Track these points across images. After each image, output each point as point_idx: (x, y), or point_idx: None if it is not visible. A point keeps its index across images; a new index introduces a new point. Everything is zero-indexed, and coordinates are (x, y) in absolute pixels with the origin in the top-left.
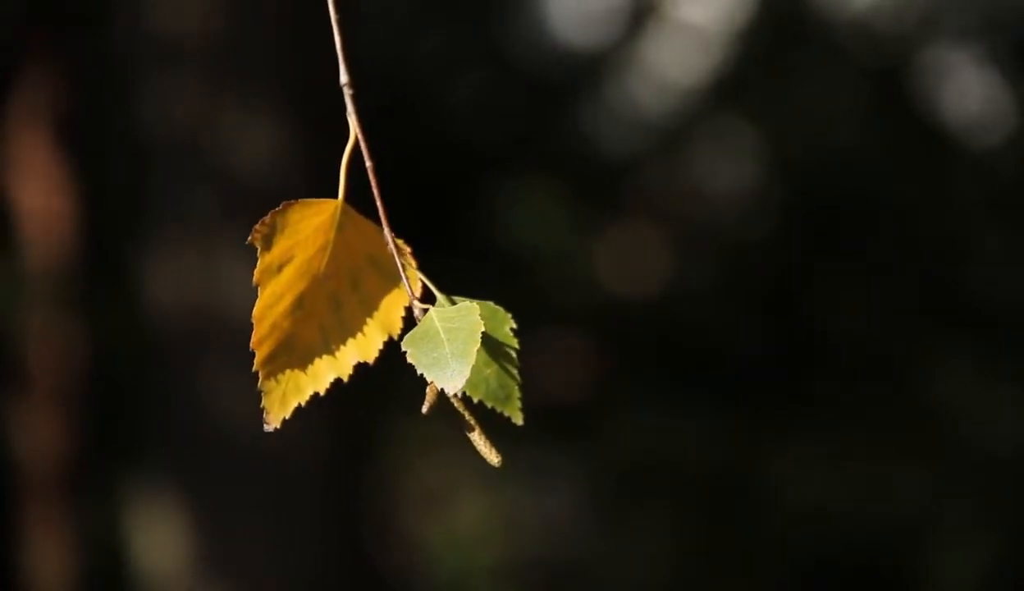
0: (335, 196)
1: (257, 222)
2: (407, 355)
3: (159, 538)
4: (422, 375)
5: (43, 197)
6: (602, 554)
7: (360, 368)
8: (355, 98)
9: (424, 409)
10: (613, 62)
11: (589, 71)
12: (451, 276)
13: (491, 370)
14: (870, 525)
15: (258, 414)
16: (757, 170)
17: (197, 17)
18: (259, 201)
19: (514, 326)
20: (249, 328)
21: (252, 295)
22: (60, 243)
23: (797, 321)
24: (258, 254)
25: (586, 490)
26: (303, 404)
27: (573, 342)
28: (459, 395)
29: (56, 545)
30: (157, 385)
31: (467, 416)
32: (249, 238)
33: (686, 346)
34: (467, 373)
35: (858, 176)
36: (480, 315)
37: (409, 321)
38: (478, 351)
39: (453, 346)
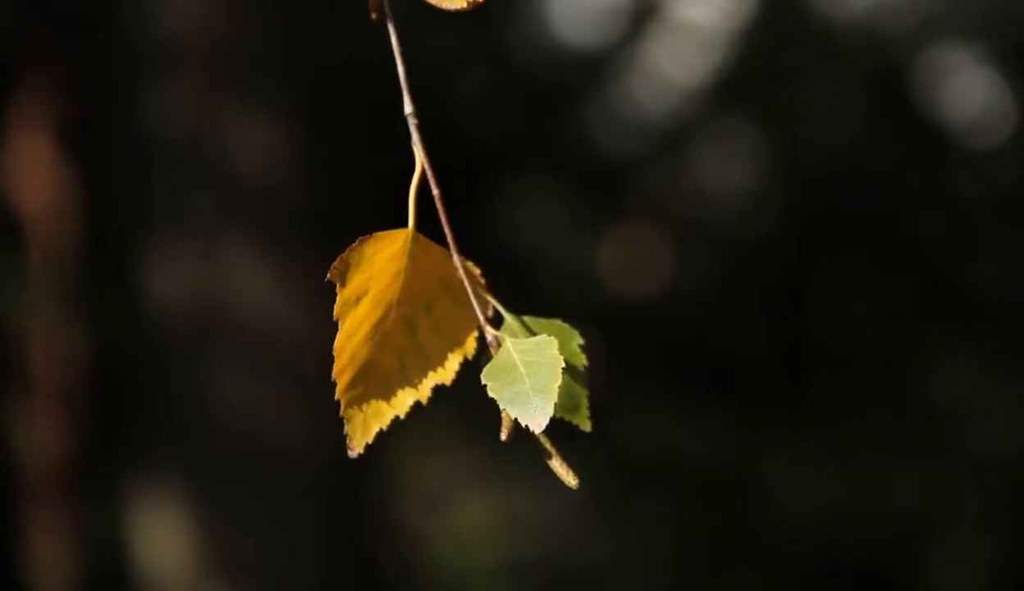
0: (335, 197)
1: (331, 268)
2: (487, 388)
3: (161, 538)
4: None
5: (44, 197)
6: (603, 554)
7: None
8: (419, 127)
9: (503, 436)
10: (614, 62)
11: (590, 72)
12: None
13: (562, 383)
14: (870, 525)
15: (259, 414)
16: (758, 170)
17: (198, 18)
18: (260, 201)
19: (582, 342)
20: (250, 327)
21: (253, 294)
22: (61, 243)
23: (798, 321)
24: (336, 290)
25: (588, 489)
26: (384, 429)
27: None
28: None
29: (57, 545)
30: (159, 385)
31: (546, 443)
32: (328, 276)
33: (687, 346)
34: (550, 410)
35: (859, 176)
36: (557, 345)
37: (483, 341)
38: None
39: (534, 381)
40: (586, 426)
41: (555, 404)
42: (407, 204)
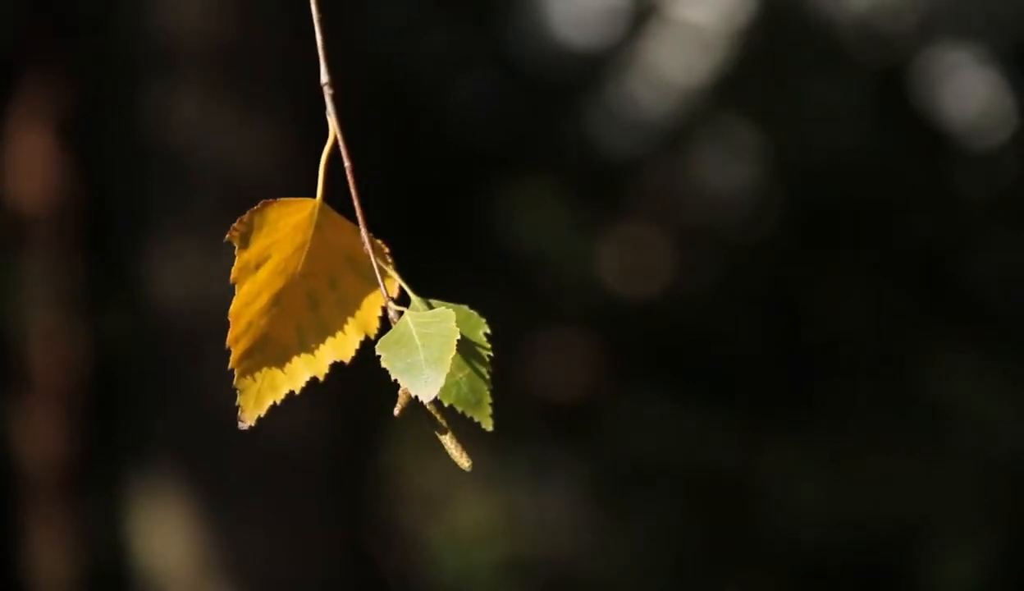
0: (336, 197)
1: (230, 229)
2: (381, 359)
3: (162, 537)
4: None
5: (45, 197)
6: (603, 553)
7: (361, 366)
8: (335, 98)
9: (396, 411)
10: (614, 62)
11: (590, 71)
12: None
13: (463, 374)
14: (870, 525)
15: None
16: (758, 170)
17: (198, 18)
18: (259, 201)
19: (488, 331)
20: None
21: None
22: (61, 243)
23: (798, 321)
24: (236, 252)
25: (587, 490)
26: (278, 402)
27: (574, 342)
28: (432, 402)
29: (59, 545)
30: (159, 384)
31: (439, 419)
32: (227, 236)
33: (687, 346)
34: (441, 381)
35: (859, 176)
36: (455, 320)
37: (386, 321)
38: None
39: (428, 353)
40: (487, 424)
41: (456, 396)
42: (401, 200)
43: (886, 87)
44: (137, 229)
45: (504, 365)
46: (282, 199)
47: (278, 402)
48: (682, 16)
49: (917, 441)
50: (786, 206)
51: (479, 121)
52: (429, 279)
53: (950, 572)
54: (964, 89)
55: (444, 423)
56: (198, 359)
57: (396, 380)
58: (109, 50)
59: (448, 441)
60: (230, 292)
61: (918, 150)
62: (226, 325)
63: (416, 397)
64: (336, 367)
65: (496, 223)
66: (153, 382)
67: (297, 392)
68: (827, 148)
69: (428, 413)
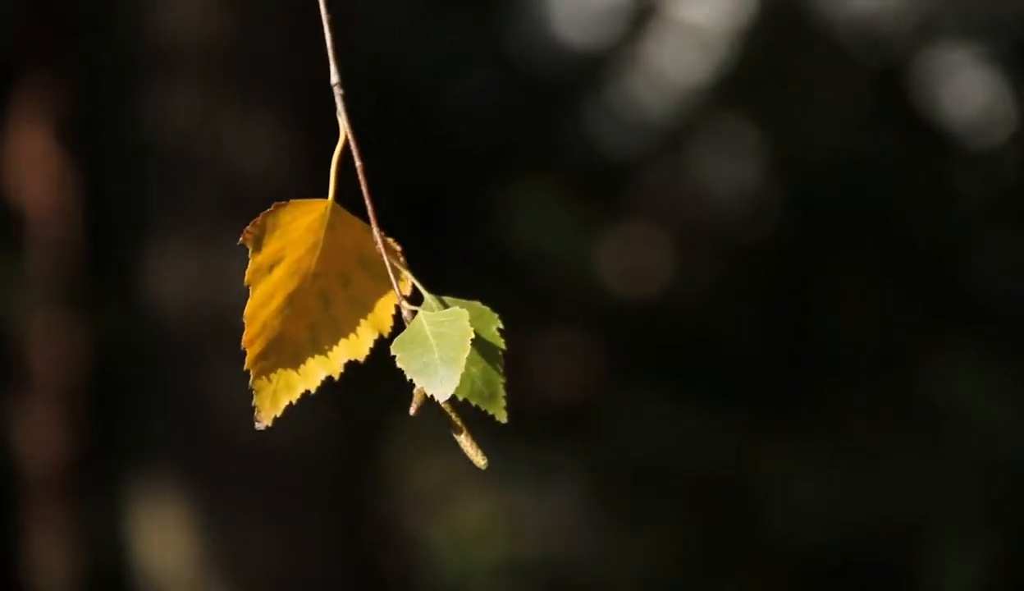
0: (345, 197)
1: (243, 232)
2: (396, 359)
3: (161, 537)
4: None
5: (45, 197)
6: (603, 554)
7: (364, 367)
8: (345, 98)
9: (412, 410)
10: (614, 62)
11: (590, 71)
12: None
13: (477, 369)
14: (870, 525)
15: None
16: (758, 170)
17: (198, 18)
18: (259, 201)
19: (501, 326)
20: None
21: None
22: (61, 243)
23: (798, 321)
24: (249, 255)
25: (587, 490)
26: (294, 402)
27: (574, 342)
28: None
29: (58, 545)
30: (159, 384)
31: (455, 418)
32: (240, 239)
33: (687, 346)
34: (456, 380)
35: (859, 176)
36: (469, 317)
37: (399, 320)
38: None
39: (442, 352)
40: (502, 416)
41: (470, 390)
42: (401, 200)
43: (886, 87)
44: (137, 229)
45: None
46: (294, 201)
47: (294, 402)
48: (682, 16)
49: (917, 441)
50: (786, 206)
51: (479, 121)
52: (428, 279)
53: (950, 572)
54: (964, 89)
55: (459, 421)
56: (198, 359)
57: (411, 380)
58: (109, 50)
59: (464, 439)
60: (230, 291)
61: (918, 150)
62: (226, 324)
63: (430, 399)
64: (350, 366)
65: (496, 223)
66: (153, 382)
67: (313, 391)
68: (827, 148)
69: (444, 411)
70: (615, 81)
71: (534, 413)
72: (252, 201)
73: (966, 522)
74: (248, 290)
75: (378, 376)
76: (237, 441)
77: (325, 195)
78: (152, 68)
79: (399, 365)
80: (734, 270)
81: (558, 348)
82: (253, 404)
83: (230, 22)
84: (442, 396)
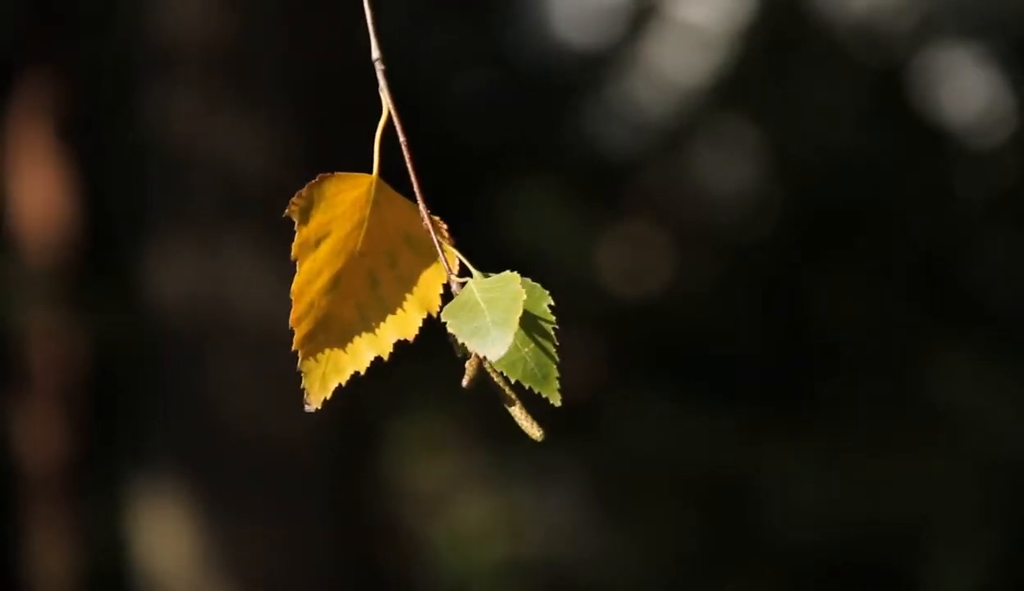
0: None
1: (290, 203)
2: (447, 325)
3: (161, 537)
4: (461, 355)
5: (44, 197)
6: (604, 554)
7: (371, 365)
8: (387, 73)
9: (464, 382)
10: (614, 62)
11: (590, 71)
12: None
13: (529, 349)
14: (870, 525)
15: (259, 413)
16: (758, 170)
17: (198, 18)
18: (258, 201)
19: (552, 303)
20: (250, 327)
21: (253, 294)
22: (61, 243)
23: (798, 321)
24: (296, 227)
25: (588, 490)
26: (343, 384)
27: (574, 342)
28: (499, 373)
29: (58, 545)
30: (159, 384)
31: (507, 390)
32: (286, 211)
33: (687, 346)
34: (509, 340)
35: (859, 176)
36: (520, 283)
37: (447, 298)
38: (517, 330)
39: (494, 315)
40: (555, 399)
41: (523, 372)
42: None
43: (886, 87)
44: (136, 228)
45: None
46: (339, 173)
47: (343, 384)
48: (682, 16)
49: (917, 441)
50: (786, 206)
51: (479, 121)
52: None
53: (950, 572)
54: (964, 89)
55: (512, 394)
56: (198, 358)
57: (460, 354)
58: (109, 50)
59: (517, 412)
60: (229, 291)
61: (918, 150)
62: (226, 324)
63: (483, 369)
64: (399, 345)
65: (496, 223)
66: (153, 382)
67: (362, 373)
68: (827, 148)
69: (496, 384)
70: (615, 81)
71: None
72: (252, 201)
73: (966, 522)
74: (252, 289)
75: (378, 377)
76: (237, 441)
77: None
78: (152, 68)
79: (450, 330)
80: (734, 270)
81: (558, 348)
82: (302, 386)
83: (230, 22)
84: (495, 356)
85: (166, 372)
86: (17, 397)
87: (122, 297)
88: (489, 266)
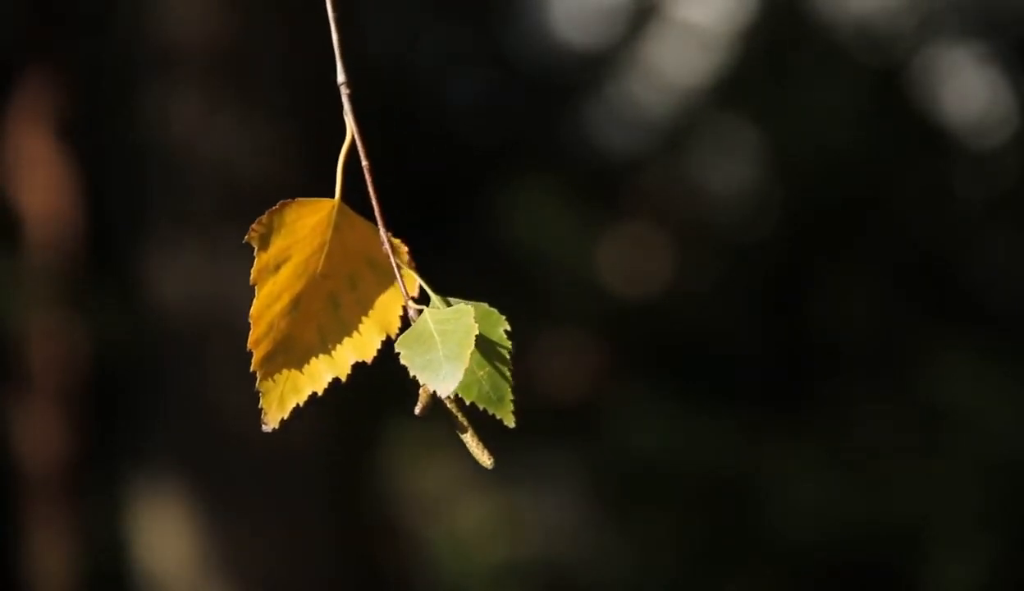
0: (349, 197)
1: (249, 229)
2: (400, 356)
3: (161, 538)
4: (415, 377)
5: (45, 197)
6: (603, 554)
7: (363, 368)
8: (352, 97)
9: (417, 410)
10: (614, 62)
11: (590, 71)
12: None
13: (484, 372)
14: (870, 525)
15: (259, 413)
16: (758, 170)
17: (198, 19)
18: (259, 202)
19: (508, 328)
20: (250, 327)
21: (252, 295)
22: (61, 243)
23: (798, 321)
24: (255, 253)
25: (587, 490)
26: (301, 404)
27: (574, 342)
28: (452, 397)
29: (58, 545)
30: (159, 384)
31: (460, 418)
32: (246, 237)
33: (687, 346)
34: (460, 376)
35: (859, 176)
36: (474, 317)
37: (407, 321)
38: (472, 353)
39: (447, 348)
40: (509, 421)
41: (478, 394)
42: (401, 200)
43: (886, 87)
44: (136, 229)
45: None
46: (300, 199)
47: (300, 404)
48: (682, 16)
49: (917, 441)
50: (786, 206)
51: (479, 121)
52: (428, 279)
53: (950, 572)
54: (964, 89)
55: (464, 421)
56: (198, 359)
57: (414, 378)
58: (109, 50)
59: (469, 439)
60: (229, 291)
61: (918, 150)
62: (225, 324)
63: (437, 395)
64: (357, 367)
65: (496, 223)
66: (153, 382)
67: (320, 393)
68: (827, 148)
69: (449, 411)
70: (615, 81)
71: (534, 413)
72: (251, 201)
73: (966, 522)
74: (253, 289)
75: (379, 377)
76: (237, 441)
77: (326, 195)
78: (152, 69)
79: (403, 362)
80: (734, 270)
81: (558, 348)
82: (260, 406)
83: (230, 22)
84: (445, 392)
85: (166, 372)
86: (17, 397)
87: (122, 297)
88: (489, 266)
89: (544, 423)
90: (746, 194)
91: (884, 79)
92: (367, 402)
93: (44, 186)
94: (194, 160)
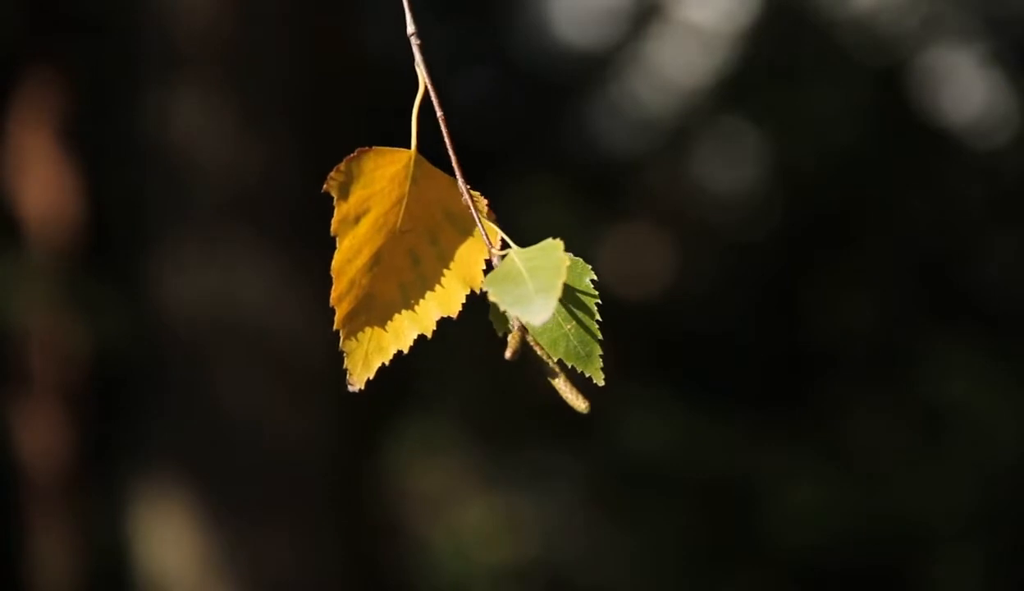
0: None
1: (328, 178)
2: (489, 294)
3: (162, 538)
4: (502, 333)
5: (46, 197)
6: (604, 554)
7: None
8: (422, 48)
9: (507, 354)
10: (616, 62)
11: (593, 71)
12: None
13: (571, 326)
14: (870, 525)
15: (260, 414)
16: (759, 170)
17: (200, 20)
18: (259, 202)
19: (595, 278)
20: (251, 328)
21: (254, 294)
22: (62, 243)
23: (798, 321)
24: (335, 203)
25: (588, 491)
26: (387, 363)
27: None
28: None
29: (60, 546)
30: (160, 385)
31: (551, 363)
32: (324, 186)
33: (687, 346)
34: (552, 306)
35: (860, 177)
36: (562, 250)
37: (489, 274)
38: (557, 306)
39: (537, 283)
40: (599, 378)
41: (565, 350)
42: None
43: (886, 87)
44: (137, 229)
45: (502, 366)
46: (377, 147)
47: (387, 363)
48: (684, 17)
49: (917, 441)
50: (787, 206)
51: (481, 121)
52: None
53: (950, 572)
54: (964, 89)
55: (554, 365)
56: (198, 359)
57: (502, 334)
58: (109, 50)
59: (561, 384)
60: (230, 291)
61: (918, 150)
62: (226, 324)
63: (525, 342)
64: (442, 323)
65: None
66: (154, 383)
67: (405, 351)
68: (828, 149)
69: (537, 357)
70: (617, 81)
71: (534, 414)
72: (252, 201)
73: (966, 522)
74: (254, 289)
75: (379, 378)
76: (238, 442)
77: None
78: (153, 69)
79: (492, 299)
80: (734, 270)
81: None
82: (344, 366)
83: (231, 23)
84: (539, 321)
85: (167, 373)
86: (19, 398)
87: (123, 297)
88: (489, 266)
89: (544, 424)
90: (747, 194)
91: (885, 80)
92: (368, 403)
93: (45, 186)
94: (194, 160)
